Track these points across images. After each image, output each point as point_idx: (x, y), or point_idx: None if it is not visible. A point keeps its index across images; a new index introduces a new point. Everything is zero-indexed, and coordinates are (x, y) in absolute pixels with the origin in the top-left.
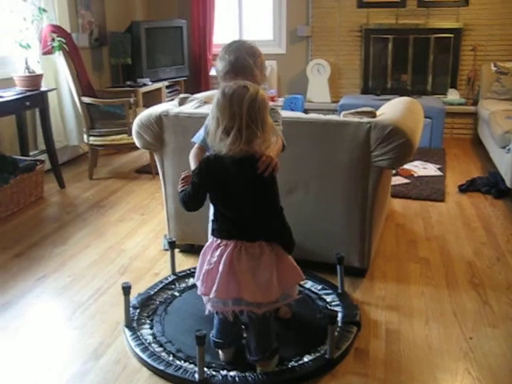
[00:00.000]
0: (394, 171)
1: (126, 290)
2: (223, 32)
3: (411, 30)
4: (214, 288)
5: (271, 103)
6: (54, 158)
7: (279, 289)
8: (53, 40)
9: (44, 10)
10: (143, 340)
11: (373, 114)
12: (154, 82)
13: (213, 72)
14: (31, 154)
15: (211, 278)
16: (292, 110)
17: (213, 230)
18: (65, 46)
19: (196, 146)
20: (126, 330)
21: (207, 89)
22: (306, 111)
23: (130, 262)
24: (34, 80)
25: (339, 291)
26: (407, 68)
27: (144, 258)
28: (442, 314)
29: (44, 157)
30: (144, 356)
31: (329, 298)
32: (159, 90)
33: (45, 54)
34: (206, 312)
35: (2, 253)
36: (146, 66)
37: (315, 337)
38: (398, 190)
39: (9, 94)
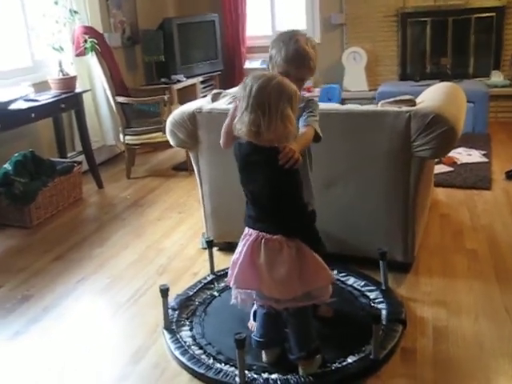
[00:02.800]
0: (436, 159)
1: (164, 292)
2: (256, 23)
3: (450, 12)
4: (234, 276)
5: (308, 94)
6: (91, 158)
7: (300, 287)
8: (85, 41)
9: (75, 12)
10: (183, 342)
11: (412, 103)
12: (188, 77)
13: (247, 65)
14: (69, 155)
15: (235, 267)
16: (329, 99)
17: (244, 217)
18: (97, 46)
19: None
20: (165, 333)
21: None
22: (343, 101)
23: (169, 262)
24: (68, 82)
25: (383, 287)
26: (447, 51)
27: (182, 257)
28: (493, 311)
29: (81, 158)
30: (184, 359)
31: (372, 295)
32: (194, 85)
33: (78, 55)
34: (231, 302)
35: (41, 256)
36: (179, 63)
37: (359, 336)
38: (442, 178)
39: (44, 98)
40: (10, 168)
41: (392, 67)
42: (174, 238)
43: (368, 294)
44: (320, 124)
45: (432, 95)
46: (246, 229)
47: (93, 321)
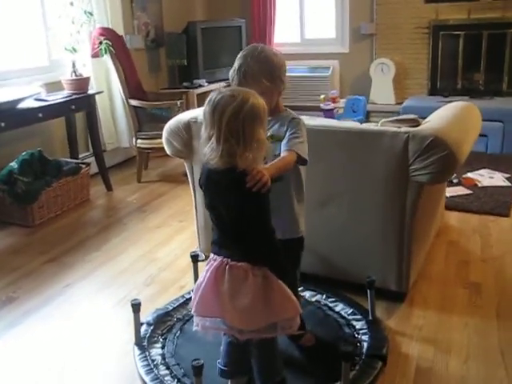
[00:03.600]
0: (455, 180)
1: (135, 307)
2: (284, 31)
3: (485, 25)
4: (195, 303)
5: (333, 105)
6: (101, 160)
7: (265, 318)
8: (100, 43)
9: (90, 14)
10: (150, 361)
11: (416, 123)
12: (210, 82)
13: None
14: (82, 156)
15: (197, 293)
16: (354, 112)
17: (211, 243)
18: (111, 48)
19: None
20: (135, 349)
21: None
22: (368, 113)
23: (158, 273)
24: (80, 83)
25: (370, 318)
26: (480, 67)
27: (173, 268)
28: (485, 352)
29: (93, 159)
30: (147, 379)
31: (358, 325)
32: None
33: (93, 56)
34: (193, 329)
35: (36, 257)
36: (202, 67)
37: (334, 371)
38: (457, 201)
39: (54, 98)
40: (15, 166)
41: (421, 81)
42: (169, 247)
43: (354, 323)
44: (316, 141)
45: (440, 115)
46: (211, 254)
47: (71, 329)
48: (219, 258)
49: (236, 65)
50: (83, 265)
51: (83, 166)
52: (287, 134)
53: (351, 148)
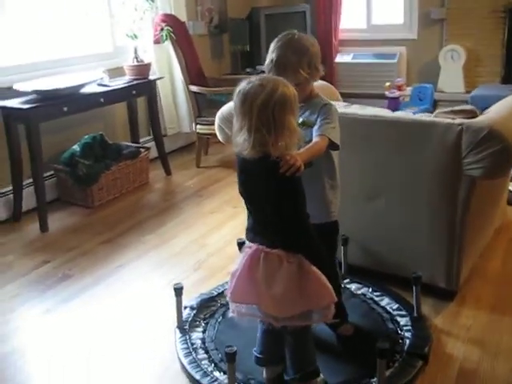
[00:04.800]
0: None
1: (178, 291)
2: (350, 16)
3: None
4: (231, 289)
5: (399, 93)
6: (161, 145)
7: (299, 306)
8: (161, 29)
9: (152, 1)
10: (189, 344)
11: (473, 114)
12: None
13: (338, 59)
14: (143, 140)
15: (233, 280)
16: (420, 100)
17: (246, 231)
18: (172, 34)
19: None
20: (177, 332)
21: (332, 77)
22: (435, 102)
23: (207, 258)
24: (141, 69)
25: (415, 315)
26: None
27: (222, 254)
28: None
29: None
30: (185, 361)
31: (402, 321)
32: None
33: (155, 43)
34: (229, 315)
35: (92, 238)
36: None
37: (370, 365)
38: None
39: (116, 83)
40: (77, 149)
41: (494, 68)
42: (221, 233)
43: (398, 319)
44: (366, 131)
45: (502, 106)
46: (246, 240)
47: (121, 308)
48: (254, 246)
49: (273, 56)
50: (137, 246)
51: (143, 150)
52: (319, 119)
53: (402, 139)
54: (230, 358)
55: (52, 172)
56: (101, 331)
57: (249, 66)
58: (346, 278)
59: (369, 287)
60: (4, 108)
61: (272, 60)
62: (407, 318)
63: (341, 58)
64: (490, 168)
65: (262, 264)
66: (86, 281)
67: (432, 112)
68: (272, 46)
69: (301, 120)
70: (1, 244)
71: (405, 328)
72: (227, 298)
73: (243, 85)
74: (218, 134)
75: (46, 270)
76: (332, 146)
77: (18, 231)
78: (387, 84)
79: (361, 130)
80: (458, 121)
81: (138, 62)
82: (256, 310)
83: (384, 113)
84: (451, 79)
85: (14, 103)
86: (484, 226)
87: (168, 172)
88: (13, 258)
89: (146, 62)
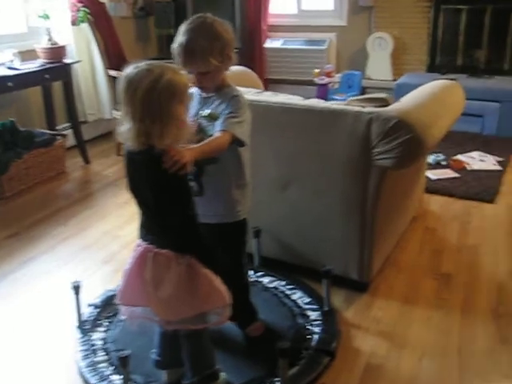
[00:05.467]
0: (443, 163)
1: (77, 289)
2: (281, 1)
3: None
4: (121, 290)
5: (327, 79)
6: (78, 132)
7: (190, 309)
8: (78, 10)
9: None
10: (89, 345)
11: (385, 103)
12: None
13: (268, 44)
14: (60, 127)
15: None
16: (349, 87)
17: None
18: (89, 16)
19: None
20: (77, 332)
21: (261, 62)
22: (363, 89)
23: (120, 250)
24: (55, 52)
25: (325, 308)
26: (482, 43)
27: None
28: (443, 350)
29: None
30: (82, 364)
31: (313, 316)
32: None
33: (73, 24)
34: (121, 317)
35: (1, 230)
36: None
37: (275, 365)
38: (443, 185)
39: (27, 67)
40: None
41: (420, 56)
42: (135, 224)
43: (309, 313)
44: (277, 119)
45: (414, 95)
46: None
47: (24, 305)
48: (144, 244)
49: (182, 39)
50: (47, 239)
51: (58, 137)
52: (225, 112)
53: (313, 128)
54: (123, 362)
55: None
56: (0, 330)
57: None
58: (258, 271)
59: (282, 280)
60: None
61: (181, 44)
62: (318, 313)
63: (270, 44)
64: (399, 158)
65: (150, 264)
66: None
67: None
68: (182, 28)
69: (207, 112)
70: None
71: (314, 323)
72: (117, 300)
73: (129, 69)
74: None
75: None
76: (237, 141)
77: None
78: (316, 71)
79: (273, 117)
80: (368, 109)
81: (51, 44)
82: (149, 312)
83: (295, 100)
84: (379, 67)
85: None
86: (398, 215)
87: (86, 160)
88: None
89: (61, 44)
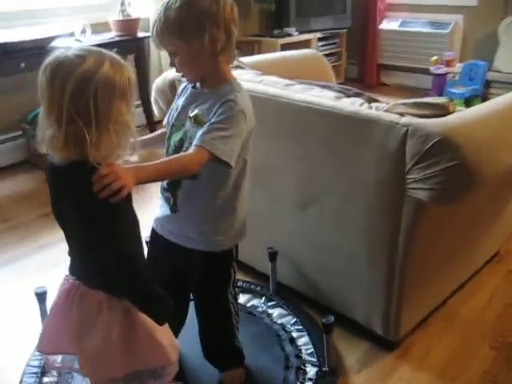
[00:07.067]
0: None
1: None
2: None
3: None
4: (40, 336)
5: (445, 69)
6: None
7: (124, 366)
8: None
9: None
10: None
11: (443, 111)
12: (302, 32)
13: (384, 25)
14: None
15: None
16: (470, 79)
17: None
18: None
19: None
20: None
21: (375, 45)
22: (488, 83)
23: None
24: (127, 24)
25: (325, 368)
26: None
27: None
28: None
29: None
30: None
31: (310, 373)
32: (308, 42)
33: None
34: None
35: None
36: (293, 14)
37: None
38: None
39: (94, 39)
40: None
41: None
42: None
43: (307, 368)
44: (300, 121)
45: (483, 106)
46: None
47: None
48: (70, 279)
49: (161, 14)
50: None
51: None
52: (211, 119)
53: (337, 136)
54: None
55: (21, 132)
56: None
57: (278, 27)
58: (271, 300)
59: (293, 317)
60: None
61: (160, 19)
62: (315, 370)
63: (386, 25)
64: (438, 191)
65: (76, 305)
66: None
67: (482, 95)
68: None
69: (195, 112)
70: None
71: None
72: (36, 349)
73: (55, 56)
74: (154, 107)
75: None
76: (219, 161)
77: None
78: (434, 58)
79: (292, 118)
80: (405, 120)
81: (124, 16)
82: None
83: (322, 100)
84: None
85: None
86: (462, 254)
87: None
88: None
89: (134, 17)
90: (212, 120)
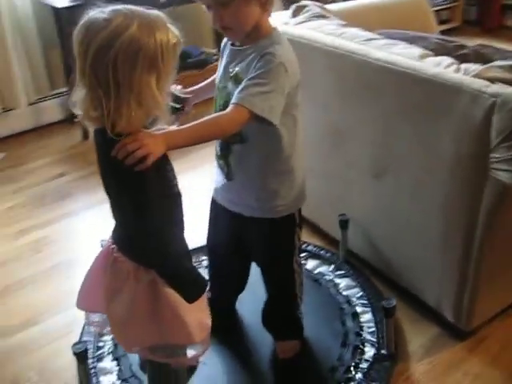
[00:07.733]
0: None
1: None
2: None
3: None
4: (78, 292)
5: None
6: None
7: (149, 338)
8: None
9: None
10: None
11: None
12: None
13: None
14: None
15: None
16: None
17: None
18: None
19: None
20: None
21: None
22: None
23: None
24: None
25: (382, 351)
26: None
27: None
28: None
29: None
30: None
31: (368, 354)
32: None
33: None
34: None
35: None
36: None
37: None
38: None
39: None
40: None
41: None
42: None
43: (366, 349)
44: (377, 81)
45: None
46: None
47: None
48: (109, 243)
49: None
50: None
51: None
52: (248, 76)
53: (417, 101)
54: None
55: None
56: None
57: None
58: (340, 269)
59: (361, 290)
60: None
61: None
62: (372, 352)
63: None
64: None
65: (109, 269)
66: None
67: None
68: None
69: (235, 71)
70: (44, 147)
71: (362, 366)
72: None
73: (88, 16)
74: None
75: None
76: (261, 119)
77: (65, 134)
78: None
79: (369, 78)
80: (494, 88)
81: None
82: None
83: (400, 59)
84: None
85: None
86: None
87: None
88: (42, 163)
89: None
90: (249, 76)
